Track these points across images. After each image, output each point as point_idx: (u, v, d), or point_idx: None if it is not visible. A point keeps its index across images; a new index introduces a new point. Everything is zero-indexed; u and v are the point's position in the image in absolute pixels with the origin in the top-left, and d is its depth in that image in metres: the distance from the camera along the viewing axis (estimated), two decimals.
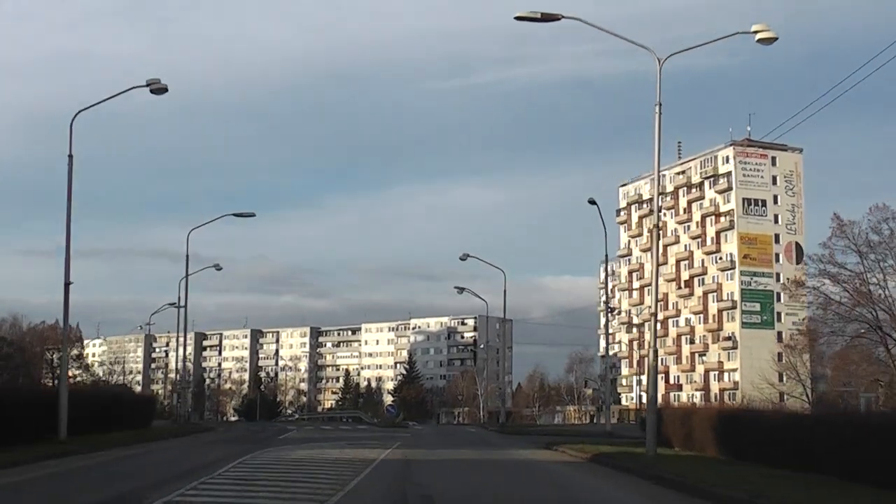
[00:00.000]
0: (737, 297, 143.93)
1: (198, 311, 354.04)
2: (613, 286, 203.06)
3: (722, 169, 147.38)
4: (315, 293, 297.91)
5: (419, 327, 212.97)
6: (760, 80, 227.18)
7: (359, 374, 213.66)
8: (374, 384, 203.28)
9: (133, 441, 39.62)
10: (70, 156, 36.26)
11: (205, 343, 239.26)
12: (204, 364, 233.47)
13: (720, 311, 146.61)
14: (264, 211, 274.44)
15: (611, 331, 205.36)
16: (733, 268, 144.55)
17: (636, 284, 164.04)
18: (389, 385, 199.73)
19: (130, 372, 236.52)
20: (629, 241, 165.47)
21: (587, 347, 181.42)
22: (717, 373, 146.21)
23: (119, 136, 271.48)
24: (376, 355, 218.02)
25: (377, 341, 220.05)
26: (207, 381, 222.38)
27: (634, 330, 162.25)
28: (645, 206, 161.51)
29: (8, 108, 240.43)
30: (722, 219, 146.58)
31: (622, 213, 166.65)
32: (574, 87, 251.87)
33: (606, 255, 59.54)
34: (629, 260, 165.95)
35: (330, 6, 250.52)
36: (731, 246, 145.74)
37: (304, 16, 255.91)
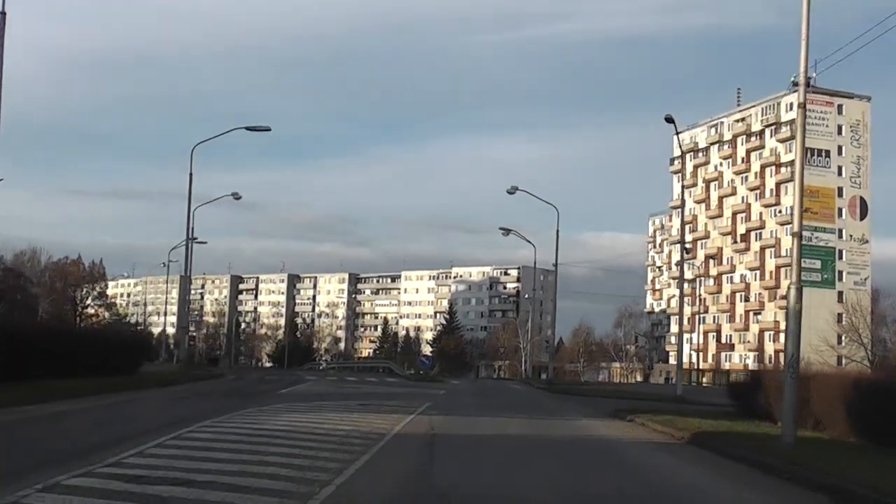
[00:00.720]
0: (796, 252, 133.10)
1: (236, 255, 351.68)
2: (663, 240, 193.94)
3: (784, 117, 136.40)
4: (355, 242, 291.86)
5: (461, 276, 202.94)
6: (825, 30, 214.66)
7: (397, 323, 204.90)
8: (412, 334, 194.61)
9: (95, 391, 30.67)
10: (2, 13, 27.29)
11: (241, 287, 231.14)
12: (240, 308, 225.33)
13: (778, 268, 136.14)
14: (307, 158, 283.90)
15: (658, 286, 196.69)
16: (793, 222, 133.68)
17: (689, 238, 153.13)
18: (428, 335, 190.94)
19: (165, 313, 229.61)
20: (682, 192, 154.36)
21: (637, 301, 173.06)
22: (772, 333, 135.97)
23: (165, 80, 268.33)
24: (416, 304, 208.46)
25: (417, 290, 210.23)
26: (243, 325, 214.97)
27: (686, 285, 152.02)
28: (701, 154, 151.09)
29: (53, 50, 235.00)
30: (783, 169, 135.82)
31: (676, 161, 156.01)
32: (625, 44, 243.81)
33: (682, 183, 49.69)
34: (681, 212, 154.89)
35: None
36: (791, 199, 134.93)
37: None
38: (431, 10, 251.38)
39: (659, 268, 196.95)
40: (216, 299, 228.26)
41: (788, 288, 22.03)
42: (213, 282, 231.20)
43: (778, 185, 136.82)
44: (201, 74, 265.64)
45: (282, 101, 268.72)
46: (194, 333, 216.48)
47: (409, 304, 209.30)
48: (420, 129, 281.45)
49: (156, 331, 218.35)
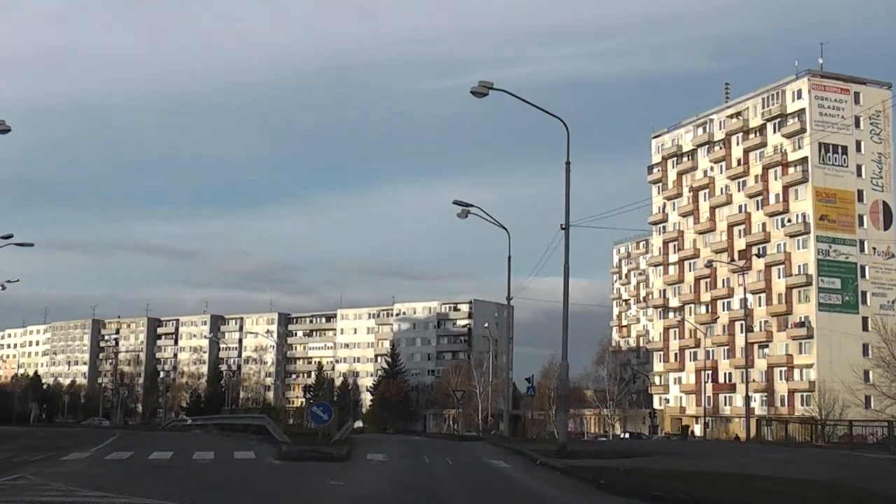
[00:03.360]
0: (812, 270, 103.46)
1: (171, 306, 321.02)
2: (629, 270, 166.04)
3: (792, 107, 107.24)
4: (294, 290, 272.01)
5: (403, 313, 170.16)
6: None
7: (333, 368, 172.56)
8: (349, 380, 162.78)
9: None
10: None
11: (159, 331, 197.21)
12: (158, 354, 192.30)
13: (789, 290, 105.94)
14: (246, 206, 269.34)
15: (626, 321, 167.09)
16: (807, 232, 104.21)
17: (673, 258, 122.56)
18: (368, 381, 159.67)
19: (76, 362, 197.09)
20: (664, 205, 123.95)
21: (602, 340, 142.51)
22: (784, 369, 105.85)
23: (106, 130, 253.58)
24: (353, 346, 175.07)
25: (355, 330, 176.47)
26: (161, 373, 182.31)
27: (672, 314, 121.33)
28: (686, 158, 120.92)
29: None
30: (791, 170, 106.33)
31: (655, 169, 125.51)
32: (565, 88, 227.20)
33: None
34: (663, 227, 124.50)
35: (321, 6, 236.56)
36: (803, 204, 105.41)
37: (294, 14, 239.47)
38: (374, 57, 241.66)
39: (626, 301, 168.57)
40: (120, 345, 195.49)
41: None
42: (129, 326, 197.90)
43: (785, 188, 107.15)
44: (142, 122, 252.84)
45: (223, 149, 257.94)
46: (107, 384, 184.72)
47: (346, 346, 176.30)
48: (363, 175, 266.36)
49: (65, 381, 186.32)
